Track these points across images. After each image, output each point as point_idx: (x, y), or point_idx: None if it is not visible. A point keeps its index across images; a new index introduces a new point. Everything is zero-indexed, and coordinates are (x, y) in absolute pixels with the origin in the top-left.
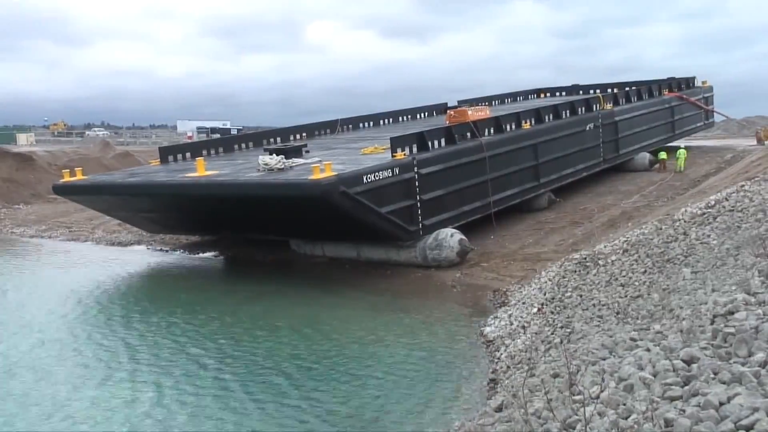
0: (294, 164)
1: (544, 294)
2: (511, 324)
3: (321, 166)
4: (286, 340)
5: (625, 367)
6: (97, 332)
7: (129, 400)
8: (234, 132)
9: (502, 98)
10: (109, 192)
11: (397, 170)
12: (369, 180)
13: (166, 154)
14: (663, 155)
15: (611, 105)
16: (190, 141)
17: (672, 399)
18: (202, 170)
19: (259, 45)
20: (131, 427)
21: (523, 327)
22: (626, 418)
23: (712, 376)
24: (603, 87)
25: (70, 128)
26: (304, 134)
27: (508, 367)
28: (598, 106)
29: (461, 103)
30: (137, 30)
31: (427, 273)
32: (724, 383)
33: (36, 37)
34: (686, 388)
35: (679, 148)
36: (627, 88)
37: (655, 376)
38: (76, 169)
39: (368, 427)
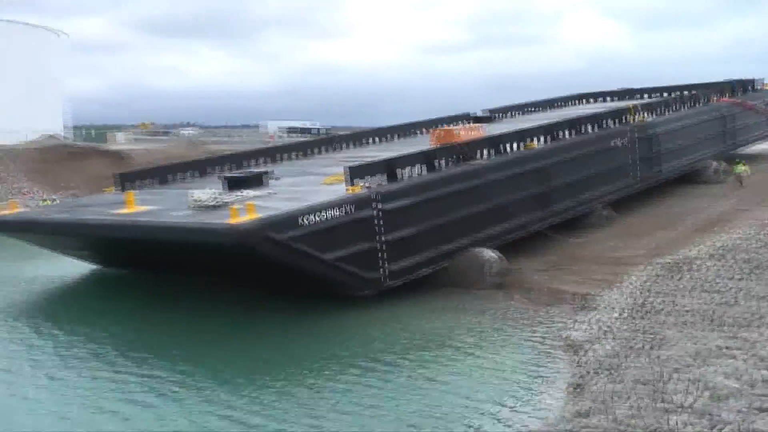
0: (239, 198)
1: (629, 299)
2: (595, 328)
3: (242, 206)
4: (347, 337)
5: (714, 376)
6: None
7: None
8: (320, 132)
9: (543, 105)
10: (32, 230)
11: (349, 208)
12: (308, 222)
13: (124, 180)
14: (741, 168)
15: (643, 116)
16: (270, 141)
17: (763, 410)
18: (131, 206)
19: (507, 37)
20: None
21: (607, 332)
22: (714, 429)
23: None
24: (657, 91)
25: (162, 127)
26: (299, 153)
27: (592, 372)
28: (630, 117)
29: (492, 112)
30: (389, 24)
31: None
32: None
33: (280, 30)
34: None
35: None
36: (666, 95)
37: (746, 386)
38: (10, 201)
39: (447, 429)
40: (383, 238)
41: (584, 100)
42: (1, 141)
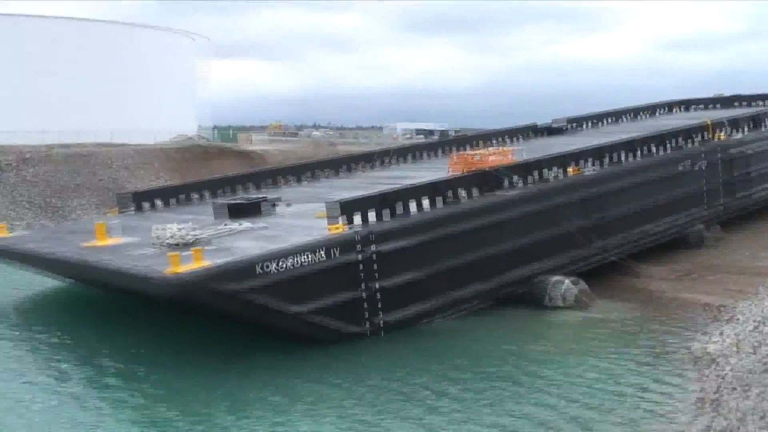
0: (214, 234)
1: (767, 311)
2: (725, 342)
3: (187, 253)
4: (448, 356)
5: None
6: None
7: None
8: (444, 134)
9: (635, 112)
10: (7, 257)
11: (322, 253)
12: (268, 270)
13: (138, 200)
14: None
15: (724, 134)
16: (395, 142)
17: None
18: (101, 238)
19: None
20: None
21: (742, 346)
22: None
23: None
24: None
25: (286, 128)
26: (344, 167)
27: (724, 387)
28: (705, 135)
29: (570, 121)
30: (655, 18)
31: (637, 281)
32: None
33: (539, 25)
34: None
35: None
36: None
37: None
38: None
39: None
40: (377, 285)
41: (679, 108)
42: (141, 141)
